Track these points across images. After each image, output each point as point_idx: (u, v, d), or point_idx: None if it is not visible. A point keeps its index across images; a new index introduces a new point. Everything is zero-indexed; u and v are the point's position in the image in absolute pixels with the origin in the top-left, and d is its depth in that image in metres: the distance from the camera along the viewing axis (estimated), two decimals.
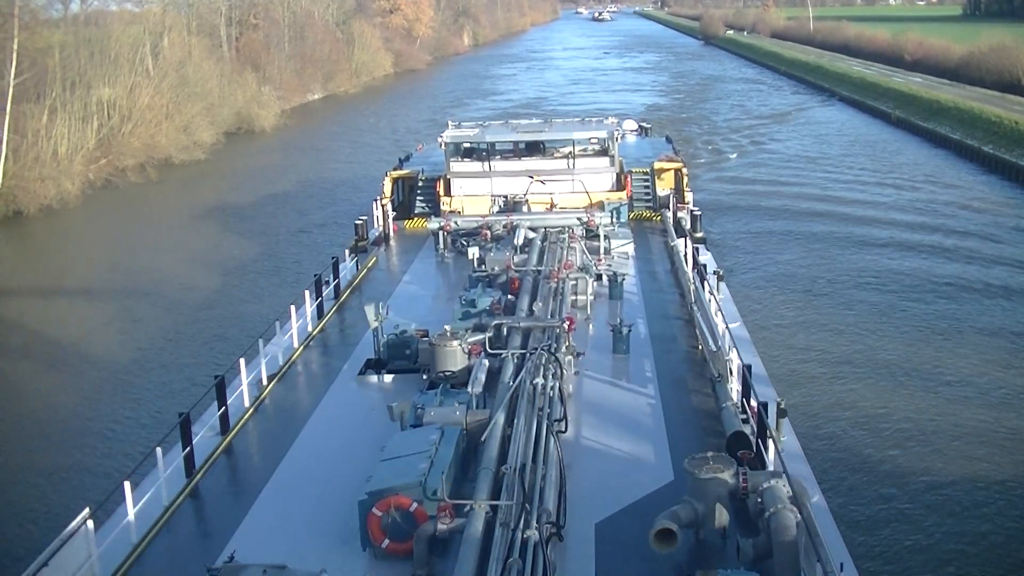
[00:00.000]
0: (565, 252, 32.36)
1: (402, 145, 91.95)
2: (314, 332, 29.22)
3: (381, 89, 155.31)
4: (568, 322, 24.33)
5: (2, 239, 66.49)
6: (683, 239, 35.93)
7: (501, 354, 23.02)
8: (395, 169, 47.84)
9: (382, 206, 42.64)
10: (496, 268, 30.51)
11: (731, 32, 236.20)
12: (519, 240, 34.09)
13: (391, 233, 41.85)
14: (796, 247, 55.49)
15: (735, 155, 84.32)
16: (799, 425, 26.18)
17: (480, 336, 23.77)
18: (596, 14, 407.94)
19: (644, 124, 63.46)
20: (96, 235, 66.87)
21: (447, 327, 23.80)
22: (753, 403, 20.58)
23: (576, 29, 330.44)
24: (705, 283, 28.85)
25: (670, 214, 41.51)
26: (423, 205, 45.04)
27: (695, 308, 27.79)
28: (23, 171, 71.20)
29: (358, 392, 24.76)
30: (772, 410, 20.04)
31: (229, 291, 50.49)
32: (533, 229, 35.82)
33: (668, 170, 45.93)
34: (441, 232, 37.77)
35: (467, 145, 44.84)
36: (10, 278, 57.32)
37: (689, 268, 31.75)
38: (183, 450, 20.48)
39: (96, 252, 62.03)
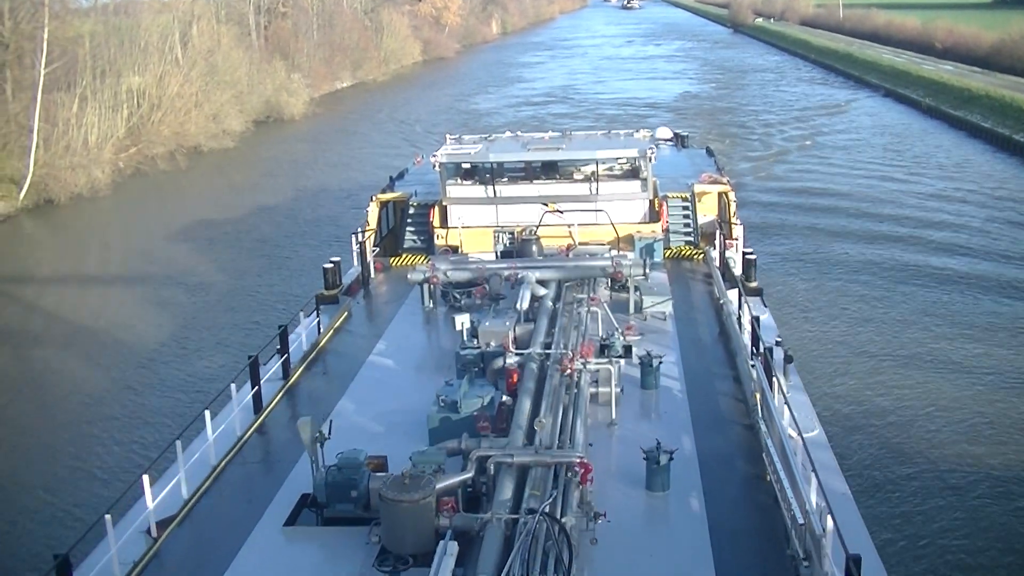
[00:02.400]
0: (584, 323, 24.86)
1: (426, 133, 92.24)
2: (245, 436, 21.61)
3: (409, 77, 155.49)
4: (583, 470, 17.02)
5: (33, 227, 67.29)
6: (735, 290, 29.44)
7: (483, 518, 15.91)
8: (383, 191, 40.26)
9: (361, 242, 34.74)
10: (492, 343, 23.40)
11: (760, 20, 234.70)
12: (523, 303, 25.89)
13: (372, 275, 34.53)
14: (864, 286, 46.91)
15: (760, 170, 75.30)
16: None
17: (455, 479, 17.02)
18: (625, 2, 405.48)
19: (680, 132, 53.98)
20: (124, 225, 67.37)
21: (406, 472, 16.51)
22: None
23: (604, 17, 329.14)
24: (773, 380, 21.12)
25: (715, 254, 33.90)
26: (414, 238, 37.73)
27: (760, 416, 20.54)
28: (54, 159, 71.95)
29: (279, 557, 17.23)
30: None
31: (249, 287, 50.89)
32: (543, 282, 27.74)
33: (711, 194, 38.67)
34: (427, 285, 29.72)
35: (467, 165, 37.27)
36: (36, 266, 58.07)
37: (747, 340, 24.72)
38: None
39: (121, 242, 62.53)
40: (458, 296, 29.43)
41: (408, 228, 38.04)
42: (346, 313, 30.52)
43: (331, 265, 32.72)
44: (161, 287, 50.71)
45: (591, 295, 26.77)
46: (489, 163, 36.40)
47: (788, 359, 23.64)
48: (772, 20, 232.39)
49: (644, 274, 28.40)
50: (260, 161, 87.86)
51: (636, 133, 39.85)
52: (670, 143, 51.48)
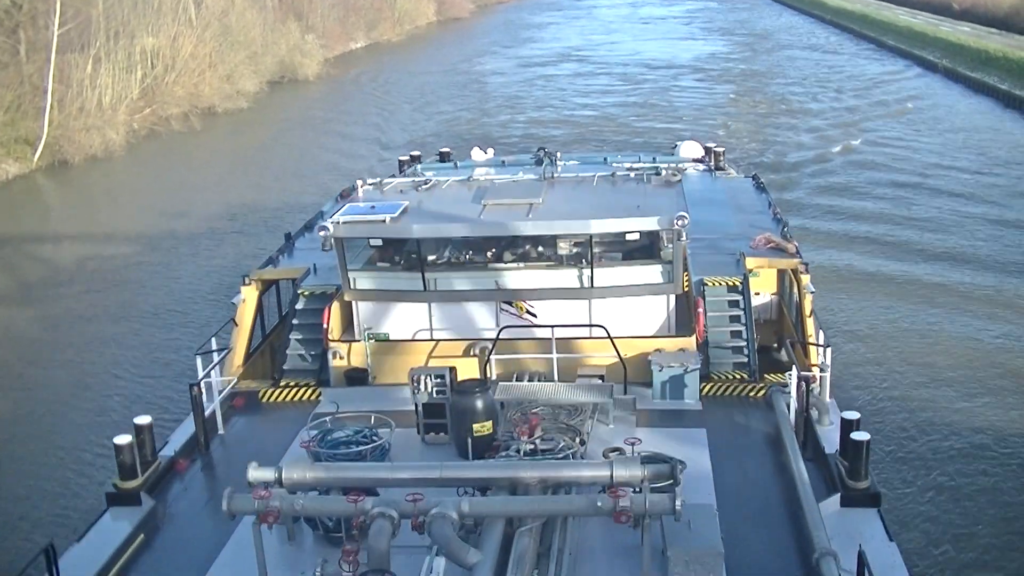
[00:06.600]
0: None
1: (439, 95, 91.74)
2: None
3: (424, 37, 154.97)
4: None
5: (47, 187, 67.82)
6: (833, 498, 16.51)
7: None
8: (270, 260, 25.64)
9: (194, 386, 19.71)
10: None
11: None
12: None
13: (220, 429, 20.10)
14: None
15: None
16: None
17: None
18: None
19: (714, 146, 37.40)
20: (137, 185, 67.65)
21: None
22: None
23: None
24: None
25: (790, 399, 19.17)
26: (301, 353, 22.96)
27: None
28: (68, 121, 72.22)
29: None
30: None
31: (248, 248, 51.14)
32: (478, 522, 14.42)
33: (770, 270, 24.57)
34: (268, 521, 14.34)
35: (379, 241, 22.27)
36: (48, 225, 58.70)
37: None
38: None
39: (134, 203, 62.78)
40: (329, 524, 15.43)
41: (293, 335, 23.22)
42: (139, 539, 16.40)
43: (125, 440, 17.65)
44: (168, 246, 51.04)
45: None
46: (414, 239, 21.74)
47: None
48: None
49: (675, 511, 13.75)
50: (274, 122, 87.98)
51: (656, 176, 24.73)
52: (702, 163, 36.02)
